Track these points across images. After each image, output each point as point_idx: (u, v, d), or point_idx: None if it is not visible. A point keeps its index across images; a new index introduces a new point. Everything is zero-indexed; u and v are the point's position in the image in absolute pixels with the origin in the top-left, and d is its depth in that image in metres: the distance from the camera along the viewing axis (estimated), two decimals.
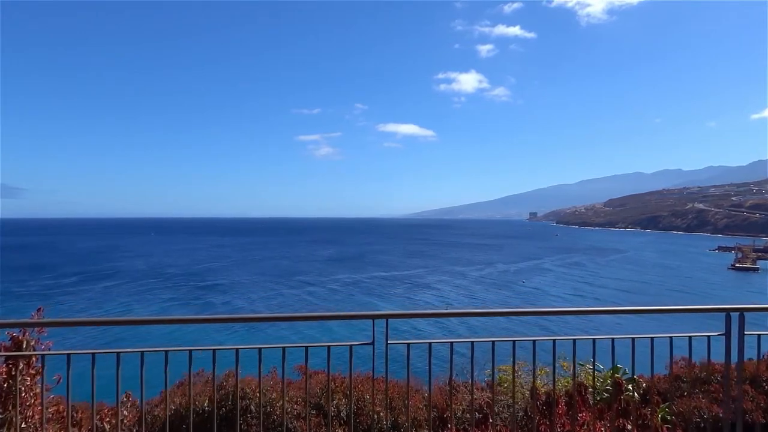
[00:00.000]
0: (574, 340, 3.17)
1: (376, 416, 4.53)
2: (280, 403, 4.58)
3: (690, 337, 3.13)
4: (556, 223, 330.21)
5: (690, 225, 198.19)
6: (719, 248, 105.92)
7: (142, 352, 2.78)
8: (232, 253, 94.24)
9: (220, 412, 4.58)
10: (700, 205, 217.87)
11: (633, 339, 3.08)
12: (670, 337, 3.15)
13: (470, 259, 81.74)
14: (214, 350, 2.96)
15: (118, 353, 2.79)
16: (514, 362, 3.15)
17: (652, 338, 3.11)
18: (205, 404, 4.63)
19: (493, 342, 3.10)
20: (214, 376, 3.18)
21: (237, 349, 3.01)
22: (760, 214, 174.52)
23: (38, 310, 3.33)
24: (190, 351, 2.90)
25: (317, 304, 40.36)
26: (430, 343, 3.08)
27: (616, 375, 4.00)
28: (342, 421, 4.82)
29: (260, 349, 2.95)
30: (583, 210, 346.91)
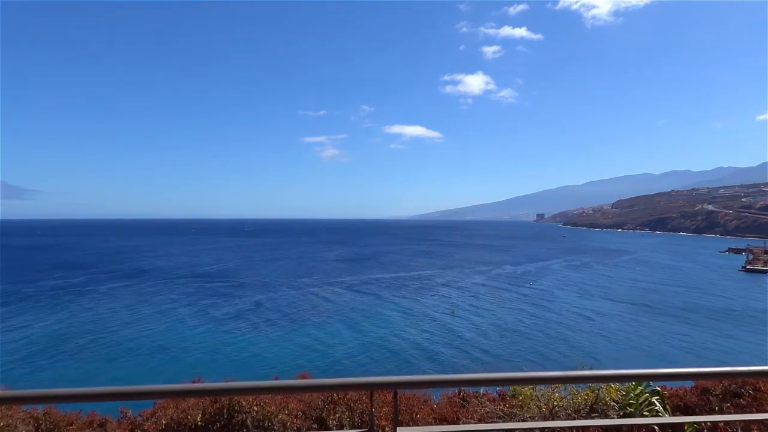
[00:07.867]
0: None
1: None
2: (279, 416, 4.51)
3: None
4: (564, 224, 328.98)
5: (699, 226, 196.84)
6: (729, 250, 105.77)
7: None
8: (250, 253, 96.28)
9: (215, 427, 4.47)
10: (710, 206, 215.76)
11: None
12: None
13: (479, 260, 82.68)
14: None
15: None
16: None
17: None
18: (198, 418, 4.47)
19: None
20: None
21: None
22: None
23: None
24: None
25: (342, 304, 41.69)
26: None
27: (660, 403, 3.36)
28: None
29: None
30: (590, 211, 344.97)
